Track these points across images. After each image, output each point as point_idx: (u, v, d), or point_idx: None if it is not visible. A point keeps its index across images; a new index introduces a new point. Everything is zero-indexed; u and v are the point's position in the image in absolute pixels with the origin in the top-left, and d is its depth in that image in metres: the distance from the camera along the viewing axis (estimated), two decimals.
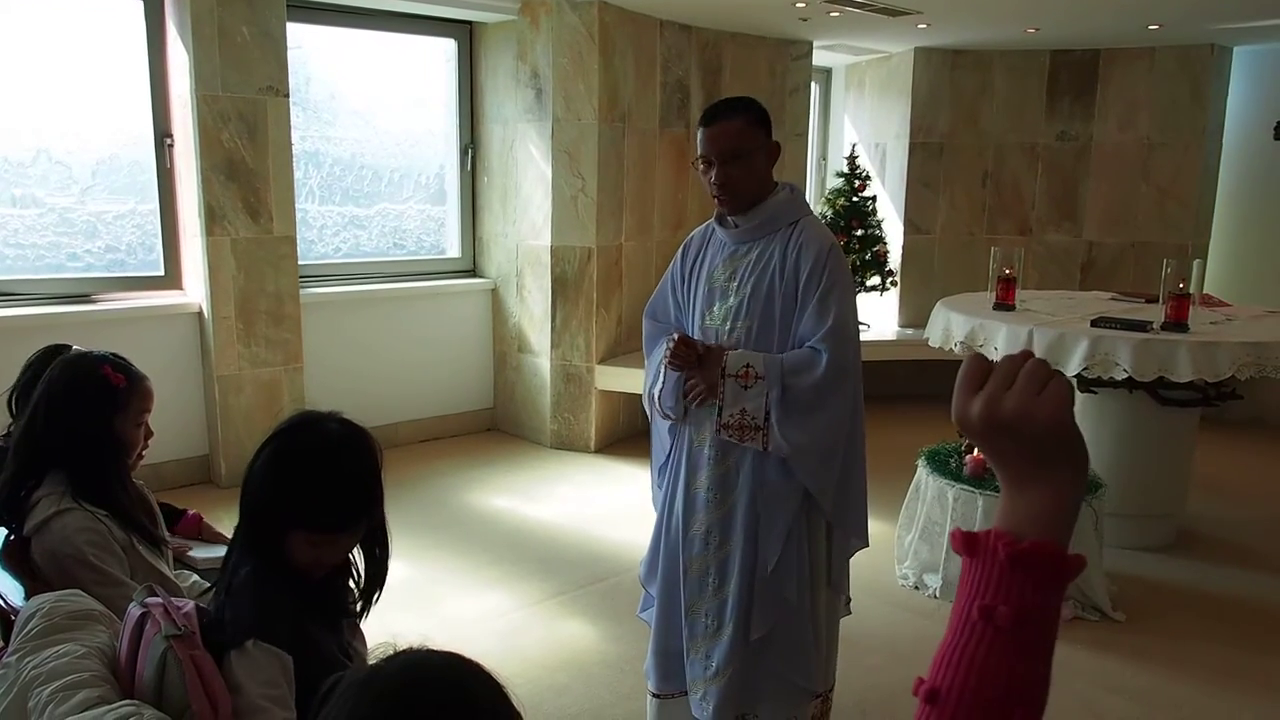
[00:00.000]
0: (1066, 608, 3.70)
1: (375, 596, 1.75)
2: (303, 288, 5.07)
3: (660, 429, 2.66)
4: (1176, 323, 3.96)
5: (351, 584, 1.74)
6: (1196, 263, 4.30)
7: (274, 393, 4.93)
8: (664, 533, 2.63)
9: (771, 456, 2.41)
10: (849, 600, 2.70)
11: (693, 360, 2.43)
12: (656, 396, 2.55)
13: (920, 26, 5.93)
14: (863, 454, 2.53)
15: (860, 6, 5.30)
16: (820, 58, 6.90)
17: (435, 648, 1.01)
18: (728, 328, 2.47)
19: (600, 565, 4.13)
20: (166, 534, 2.30)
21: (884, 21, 5.71)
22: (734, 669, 2.47)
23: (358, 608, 1.74)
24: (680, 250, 2.66)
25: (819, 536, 2.51)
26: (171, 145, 4.68)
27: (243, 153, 4.66)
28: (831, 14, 5.50)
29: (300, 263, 5.02)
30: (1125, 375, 3.82)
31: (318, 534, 1.61)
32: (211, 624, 1.57)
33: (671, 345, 2.44)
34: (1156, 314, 4.10)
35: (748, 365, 2.37)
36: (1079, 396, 4.29)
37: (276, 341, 4.90)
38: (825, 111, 7.77)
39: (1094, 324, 4.05)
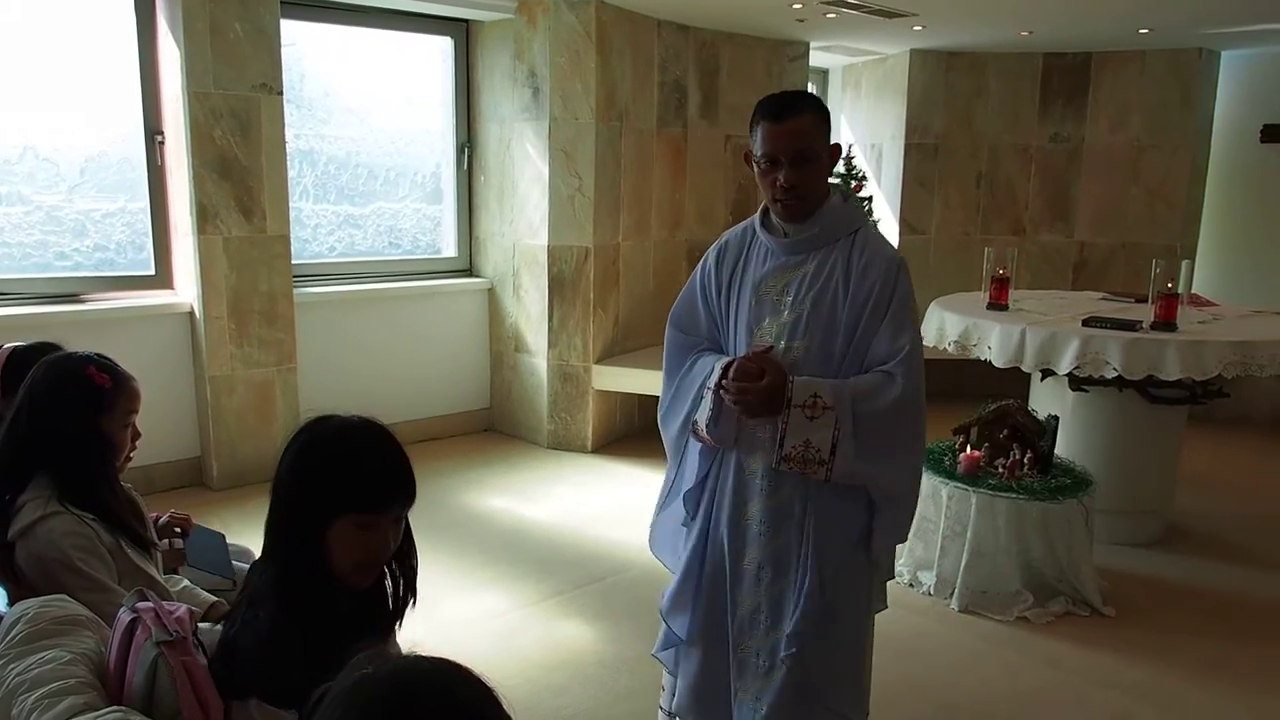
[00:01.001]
0: (1057, 603, 3.73)
1: (410, 602, 1.69)
2: (296, 287, 5.07)
3: (691, 451, 2.40)
4: (1165, 322, 3.99)
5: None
6: (1185, 263, 4.34)
7: (267, 393, 4.93)
8: (702, 564, 2.38)
9: (831, 485, 2.21)
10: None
11: (763, 395, 2.16)
12: (703, 424, 2.28)
13: (916, 28, 5.96)
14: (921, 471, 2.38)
15: (856, 8, 5.32)
16: (817, 58, 6.92)
17: (424, 654, 1.00)
18: (782, 346, 2.23)
19: (598, 565, 4.14)
20: (155, 537, 2.26)
21: (880, 23, 5.73)
22: (783, 714, 2.30)
23: (391, 619, 1.68)
24: (714, 254, 2.39)
25: (870, 563, 2.37)
26: (163, 142, 4.67)
27: (235, 150, 4.65)
28: (828, 15, 5.51)
29: (294, 262, 5.01)
30: (1115, 374, 3.85)
31: (365, 514, 1.54)
32: (222, 648, 1.53)
33: (724, 374, 2.21)
34: (1146, 314, 4.13)
35: (815, 395, 2.14)
36: (1070, 395, 4.32)
37: (270, 342, 4.90)
38: None
39: (1085, 323, 4.07)
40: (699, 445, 2.36)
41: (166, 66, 4.59)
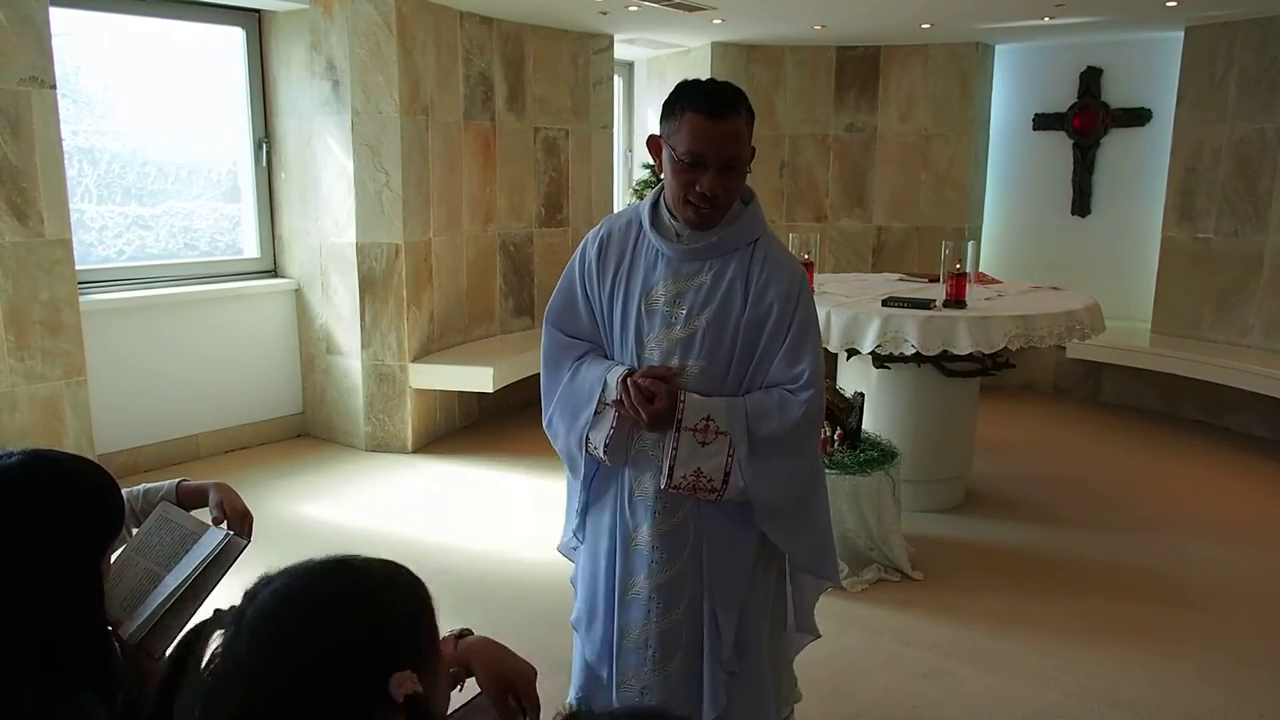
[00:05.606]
0: (870, 571, 3.93)
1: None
2: (83, 294, 4.72)
3: (577, 464, 2.21)
4: (956, 300, 4.26)
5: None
6: (970, 244, 4.65)
7: (54, 409, 4.57)
8: (593, 588, 2.22)
9: (720, 509, 2.08)
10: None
11: (651, 420, 2.00)
12: (603, 443, 2.08)
13: (715, 22, 6.11)
14: (825, 491, 2.25)
15: (656, 1, 5.41)
16: (623, 51, 6.99)
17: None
18: (675, 362, 2.05)
19: (418, 568, 4.04)
20: None
21: (681, 16, 5.85)
22: None
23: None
24: (595, 247, 2.15)
25: (775, 585, 2.24)
26: None
27: (4, 149, 4.28)
28: (630, 8, 5.58)
29: (79, 267, 4.66)
30: (914, 350, 4.08)
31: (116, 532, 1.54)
32: None
33: (629, 387, 2.01)
34: (939, 292, 4.40)
35: (707, 418, 1.99)
36: (874, 373, 4.55)
37: (55, 354, 4.55)
38: (630, 104, 7.88)
39: (884, 304, 4.29)
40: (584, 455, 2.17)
41: None
